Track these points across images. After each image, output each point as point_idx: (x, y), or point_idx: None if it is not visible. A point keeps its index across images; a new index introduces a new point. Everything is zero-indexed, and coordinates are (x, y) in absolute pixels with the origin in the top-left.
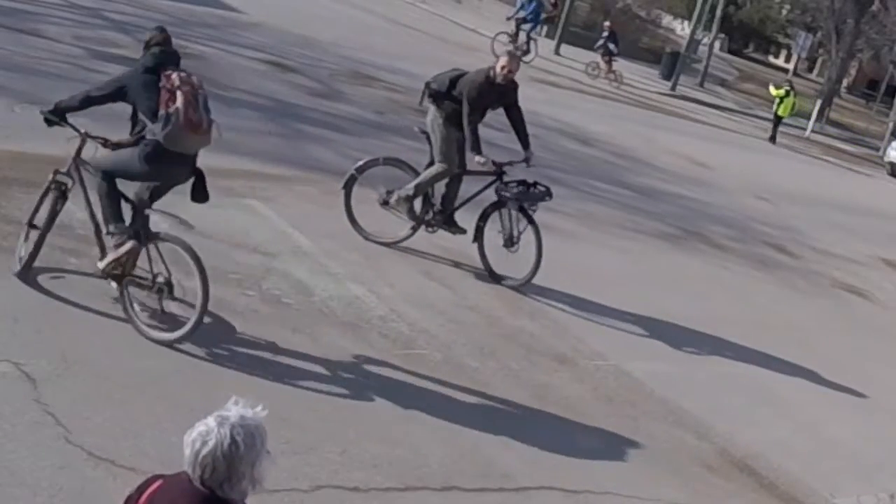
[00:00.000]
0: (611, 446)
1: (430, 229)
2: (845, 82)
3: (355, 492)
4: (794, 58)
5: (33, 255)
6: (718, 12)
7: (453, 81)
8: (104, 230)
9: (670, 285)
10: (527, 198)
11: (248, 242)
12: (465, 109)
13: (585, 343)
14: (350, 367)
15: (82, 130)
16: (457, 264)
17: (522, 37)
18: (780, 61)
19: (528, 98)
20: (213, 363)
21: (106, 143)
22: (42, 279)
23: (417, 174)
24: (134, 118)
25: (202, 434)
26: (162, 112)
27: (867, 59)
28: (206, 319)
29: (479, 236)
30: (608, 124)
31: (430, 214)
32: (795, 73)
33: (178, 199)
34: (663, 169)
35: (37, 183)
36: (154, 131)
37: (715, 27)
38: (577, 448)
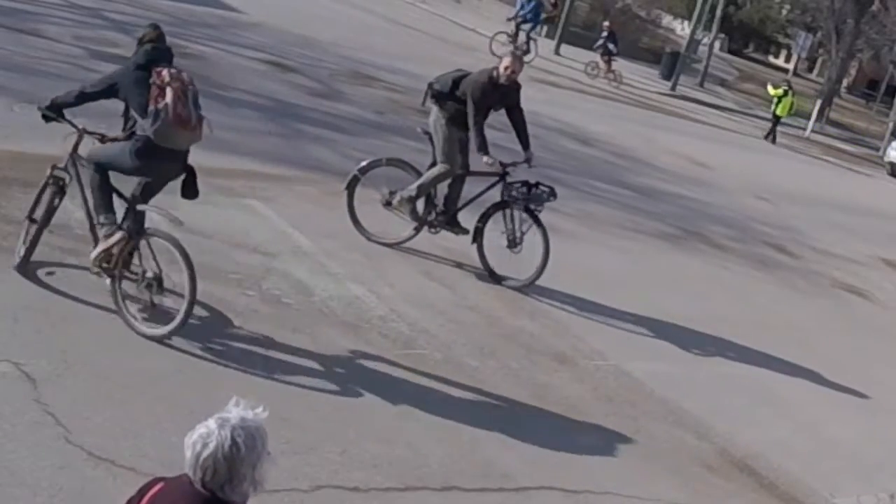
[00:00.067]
0: (611, 446)
1: (432, 230)
2: (845, 82)
3: (355, 492)
4: (794, 58)
5: (31, 248)
6: (718, 12)
7: (456, 82)
8: (95, 221)
9: (670, 285)
10: (533, 199)
11: (248, 242)
12: (471, 110)
13: (585, 343)
14: (350, 367)
15: (79, 126)
16: (457, 264)
17: (522, 37)
18: (780, 61)
19: (529, 98)
20: (213, 363)
21: (103, 138)
22: (42, 279)
23: (420, 175)
24: (126, 114)
25: (203, 436)
26: (151, 108)
27: (867, 59)
28: (207, 318)
29: (478, 237)
30: (608, 124)
31: (433, 215)
32: (795, 73)
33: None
34: (663, 169)
35: (36, 183)
36: (144, 127)
37: (715, 27)
38: (577, 448)
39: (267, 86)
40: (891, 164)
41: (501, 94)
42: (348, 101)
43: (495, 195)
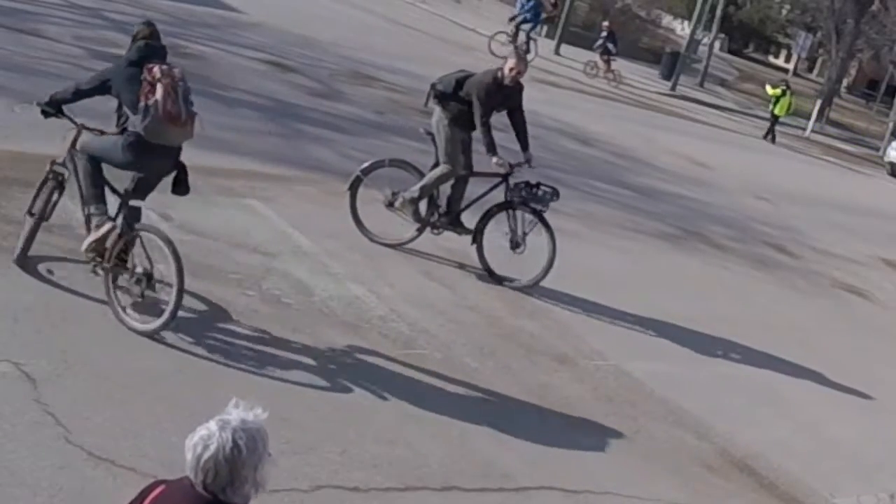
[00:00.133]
0: (611, 446)
1: (435, 231)
2: (845, 82)
3: (355, 492)
4: (794, 58)
5: (28, 241)
6: (718, 12)
7: (460, 83)
8: (86, 212)
9: (670, 285)
10: (539, 200)
11: (248, 242)
12: (479, 111)
13: (585, 343)
14: (350, 368)
15: (78, 122)
16: (457, 265)
17: (522, 37)
18: (780, 61)
19: (529, 98)
20: (213, 363)
21: (102, 134)
22: (42, 279)
23: (423, 175)
24: (119, 110)
25: (204, 438)
26: (141, 104)
27: (867, 59)
28: (207, 318)
29: (478, 238)
30: (608, 124)
31: (436, 216)
32: (795, 73)
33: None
34: (663, 169)
35: (36, 183)
36: (135, 123)
37: (715, 27)
38: (577, 448)
39: (267, 86)
40: (891, 164)
41: (505, 95)
42: (348, 101)
43: (497, 196)
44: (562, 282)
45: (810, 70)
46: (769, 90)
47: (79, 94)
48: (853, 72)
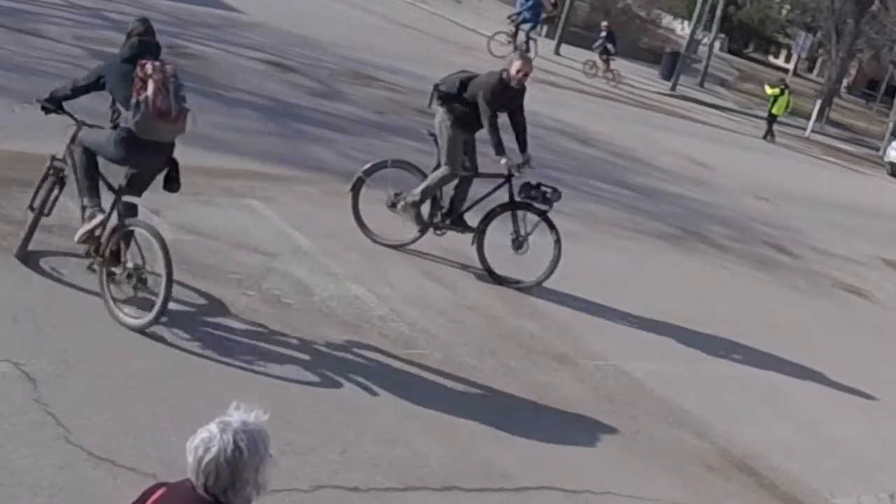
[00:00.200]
0: (611, 446)
1: (438, 232)
2: (845, 82)
3: (355, 492)
4: (794, 58)
5: (29, 235)
6: (718, 12)
7: (464, 84)
8: (80, 203)
9: (670, 285)
10: (545, 200)
11: (248, 242)
12: (486, 112)
13: (585, 343)
14: (350, 368)
15: (78, 118)
16: (457, 265)
17: (521, 36)
18: (780, 61)
19: (529, 98)
20: (213, 363)
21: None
22: (42, 278)
23: (425, 176)
24: (113, 106)
25: (205, 440)
26: (133, 100)
27: (867, 59)
28: (207, 318)
29: (479, 238)
30: (608, 124)
31: (438, 217)
32: (795, 73)
33: (176, 198)
34: (663, 169)
35: (33, 190)
36: (127, 119)
37: (715, 27)
38: (578, 448)
39: (267, 86)
40: (891, 164)
41: (509, 97)
42: (348, 101)
43: (500, 196)
44: (562, 282)
45: (810, 70)
46: (767, 90)
47: (76, 91)
48: (853, 72)
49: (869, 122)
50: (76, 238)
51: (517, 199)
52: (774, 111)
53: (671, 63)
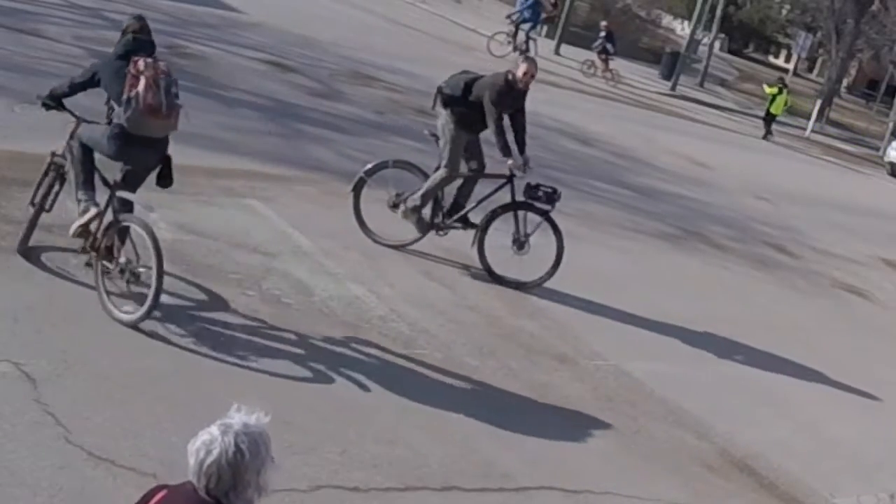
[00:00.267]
0: (611, 446)
1: (440, 232)
2: (845, 82)
3: (355, 492)
4: (794, 58)
5: (29, 230)
6: (718, 12)
7: (468, 86)
8: (76, 197)
9: (670, 285)
10: (548, 200)
11: (248, 242)
12: (492, 114)
13: (585, 343)
14: (350, 368)
15: (78, 115)
16: (457, 265)
17: (521, 36)
18: (780, 61)
19: (528, 98)
20: (212, 363)
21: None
22: (42, 279)
23: (427, 176)
24: (108, 103)
25: (206, 443)
26: (125, 97)
27: (867, 59)
28: (207, 318)
29: (479, 238)
30: (608, 124)
31: (440, 217)
32: (795, 73)
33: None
34: (663, 169)
35: (34, 186)
36: (119, 115)
37: (715, 27)
38: (577, 448)
39: (267, 86)
40: (891, 164)
41: (513, 99)
42: (348, 101)
43: (500, 197)
44: (562, 282)
45: (810, 70)
46: (766, 89)
47: (73, 88)
48: (853, 72)
49: (869, 122)
50: (71, 232)
51: (525, 198)
52: (773, 110)
53: (671, 63)
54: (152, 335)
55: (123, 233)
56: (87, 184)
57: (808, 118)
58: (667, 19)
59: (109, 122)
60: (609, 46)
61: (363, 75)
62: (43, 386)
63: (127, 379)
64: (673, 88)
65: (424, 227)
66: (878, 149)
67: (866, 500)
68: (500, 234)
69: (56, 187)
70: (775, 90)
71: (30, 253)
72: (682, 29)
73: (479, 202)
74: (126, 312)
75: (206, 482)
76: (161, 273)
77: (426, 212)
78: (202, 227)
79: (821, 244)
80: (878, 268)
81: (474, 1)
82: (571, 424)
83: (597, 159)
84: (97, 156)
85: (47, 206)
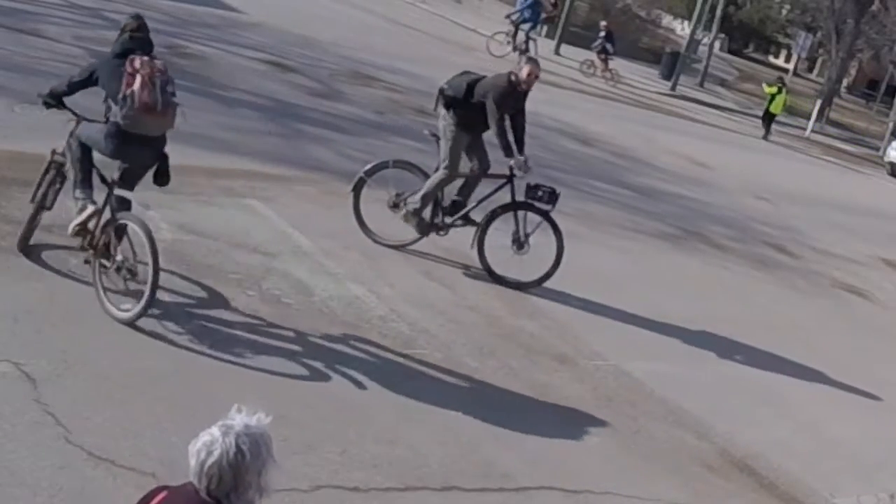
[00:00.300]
0: (611, 446)
1: (441, 232)
2: (845, 82)
3: (355, 492)
4: (794, 58)
5: (29, 226)
6: (718, 12)
7: (470, 88)
8: (72, 195)
9: (670, 285)
10: (548, 200)
11: (248, 242)
12: (495, 114)
13: (585, 343)
14: (350, 368)
15: (77, 112)
16: (457, 265)
17: (521, 36)
18: (780, 61)
19: (529, 98)
20: (212, 363)
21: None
22: (42, 279)
23: (427, 176)
24: (106, 102)
25: (207, 444)
26: (120, 95)
27: (867, 59)
28: (207, 318)
29: (479, 238)
30: (608, 124)
31: (440, 217)
32: (795, 73)
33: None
34: (663, 169)
35: (35, 184)
36: (116, 113)
37: (715, 27)
38: (577, 448)
39: (267, 86)
40: (891, 164)
41: (515, 99)
42: (348, 101)
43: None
44: (562, 282)
45: (810, 70)
46: (765, 88)
47: (72, 87)
48: (853, 72)
49: (869, 122)
50: (69, 231)
51: (527, 199)
52: (772, 109)
53: (671, 63)
54: (152, 335)
55: (121, 230)
56: (85, 182)
57: (808, 118)
58: (667, 19)
59: (107, 121)
60: (608, 46)
61: (363, 75)
62: (43, 386)
63: (127, 379)
64: (673, 88)
65: (426, 230)
66: (878, 149)
67: (866, 500)
68: (499, 234)
69: (57, 185)
70: (774, 89)
71: (30, 252)
72: (682, 29)
73: (479, 202)
74: (124, 310)
75: (207, 483)
76: (157, 269)
77: (426, 213)
78: (202, 227)
79: (821, 244)
80: (878, 268)
81: (474, 1)
82: (571, 424)
83: (597, 159)
84: (97, 154)
85: (48, 204)
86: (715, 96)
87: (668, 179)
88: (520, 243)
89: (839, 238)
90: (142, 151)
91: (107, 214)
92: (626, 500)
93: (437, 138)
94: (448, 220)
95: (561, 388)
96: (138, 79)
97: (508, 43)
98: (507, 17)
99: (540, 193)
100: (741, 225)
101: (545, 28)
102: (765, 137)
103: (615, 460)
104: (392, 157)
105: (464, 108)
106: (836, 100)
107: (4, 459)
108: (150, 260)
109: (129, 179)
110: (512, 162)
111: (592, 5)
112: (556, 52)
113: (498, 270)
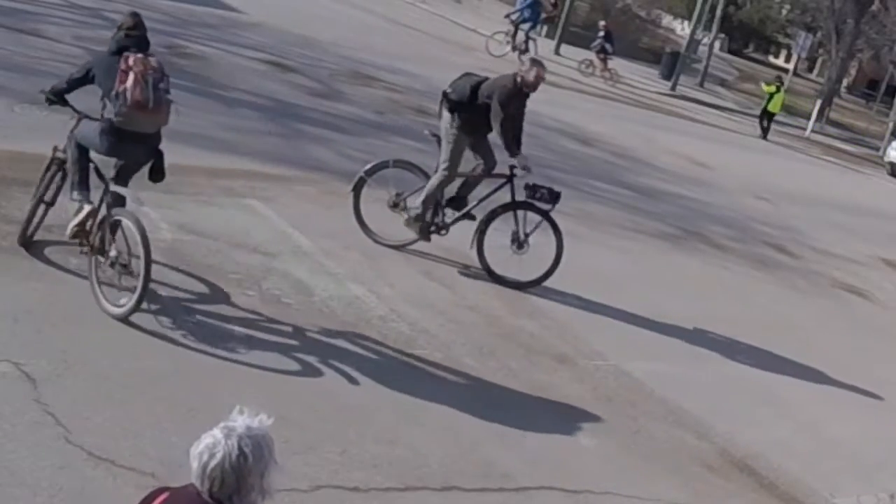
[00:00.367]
0: (611, 446)
1: (442, 232)
2: (845, 82)
3: (355, 492)
4: (794, 58)
5: (29, 222)
6: (718, 12)
7: (474, 91)
8: (70, 196)
9: (670, 285)
10: (549, 200)
11: (248, 242)
12: (499, 115)
13: (585, 343)
14: (350, 368)
15: (79, 110)
16: (457, 265)
17: (521, 36)
18: (780, 61)
19: (529, 98)
20: (212, 363)
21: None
22: (42, 279)
23: (427, 176)
24: (102, 99)
25: (209, 446)
26: (113, 92)
27: (867, 59)
28: (207, 318)
29: (478, 237)
30: (608, 124)
31: (440, 217)
32: (795, 73)
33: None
34: (663, 169)
35: (36, 183)
36: (110, 111)
37: (715, 27)
38: (577, 448)
39: (267, 86)
40: (891, 164)
41: (519, 100)
42: (348, 101)
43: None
44: (562, 282)
45: (810, 70)
46: (764, 88)
47: (70, 84)
48: (853, 72)
49: (869, 122)
50: (67, 233)
51: (527, 198)
52: (771, 108)
53: (671, 63)
54: (153, 335)
55: (115, 227)
56: (82, 183)
57: (809, 118)
58: (667, 19)
59: (102, 118)
60: (607, 46)
61: (363, 75)
62: (43, 386)
63: (127, 379)
64: (673, 88)
65: (428, 234)
66: (878, 149)
67: (866, 500)
68: (499, 234)
69: (58, 182)
70: (773, 88)
71: (30, 251)
72: (682, 29)
73: (479, 202)
74: (119, 306)
75: (209, 486)
76: (149, 263)
77: (427, 215)
78: (202, 227)
79: (821, 244)
80: (878, 268)
81: (474, 1)
82: (571, 424)
83: (597, 159)
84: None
85: (48, 198)
86: (715, 96)
87: (668, 179)
88: (519, 243)
89: (839, 238)
90: (136, 148)
91: (102, 211)
92: (626, 500)
93: (438, 138)
94: (448, 219)
95: (561, 387)
96: (131, 76)
97: (508, 43)
98: (507, 16)
99: (540, 193)
100: (741, 225)
101: (545, 28)
102: (764, 137)
103: (615, 460)
104: (392, 157)
105: (468, 111)
106: (836, 100)
107: (4, 459)
108: (141, 253)
109: (123, 175)
110: (515, 161)
111: (592, 5)
112: (556, 52)
113: (497, 270)
